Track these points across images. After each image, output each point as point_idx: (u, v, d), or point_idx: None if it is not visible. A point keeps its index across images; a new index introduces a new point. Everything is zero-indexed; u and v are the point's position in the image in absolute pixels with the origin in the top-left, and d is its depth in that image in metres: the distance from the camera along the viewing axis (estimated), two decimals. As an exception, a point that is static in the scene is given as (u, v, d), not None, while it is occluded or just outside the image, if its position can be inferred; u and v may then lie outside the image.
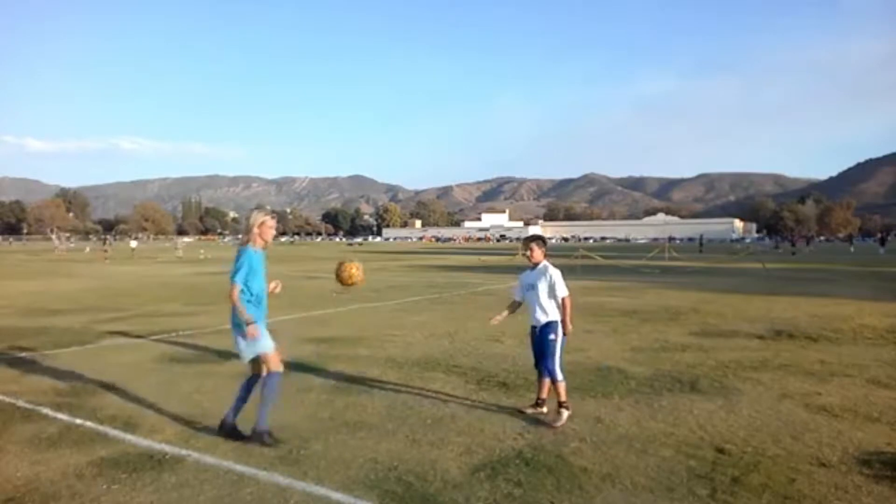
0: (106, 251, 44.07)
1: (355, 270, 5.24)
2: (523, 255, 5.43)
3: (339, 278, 5.35)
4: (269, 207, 5.20)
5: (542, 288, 5.20)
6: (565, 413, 5.05)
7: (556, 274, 5.20)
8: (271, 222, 4.70)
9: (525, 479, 3.92)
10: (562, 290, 5.17)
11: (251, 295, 4.56)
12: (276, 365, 4.63)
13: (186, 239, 53.96)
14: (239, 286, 4.46)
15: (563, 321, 5.20)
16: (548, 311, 5.20)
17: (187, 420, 5.14)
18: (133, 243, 63.05)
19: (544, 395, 5.28)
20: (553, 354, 5.15)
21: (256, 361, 4.64)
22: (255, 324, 4.47)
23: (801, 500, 3.60)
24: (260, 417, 4.55)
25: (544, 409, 5.23)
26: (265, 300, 4.70)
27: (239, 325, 4.53)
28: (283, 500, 3.63)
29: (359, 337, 9.21)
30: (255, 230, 4.59)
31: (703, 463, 4.17)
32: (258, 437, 4.53)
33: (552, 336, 5.16)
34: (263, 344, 4.55)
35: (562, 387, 5.14)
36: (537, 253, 5.29)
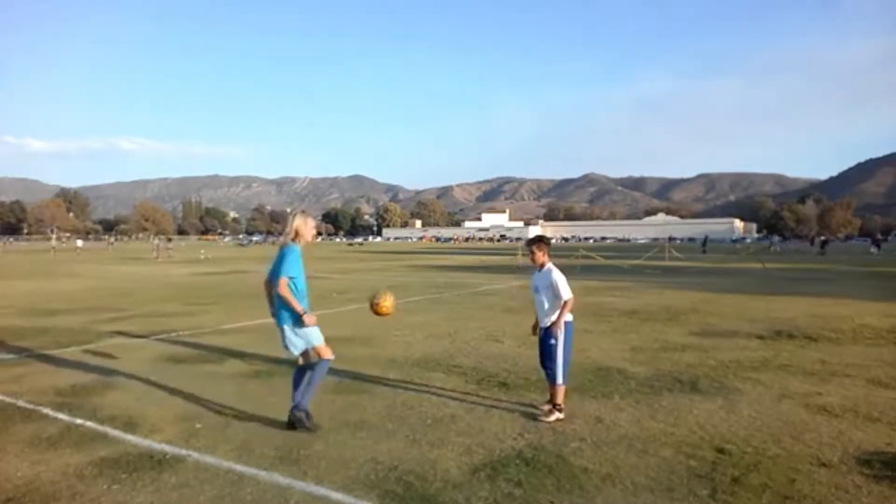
0: (169, 248, 45.91)
1: (388, 302, 5.35)
2: (523, 255, 5.45)
3: (375, 309, 5.45)
4: (304, 209, 5.50)
5: (546, 292, 5.19)
6: (557, 414, 5.07)
7: (558, 277, 5.14)
8: (312, 223, 5.01)
9: (525, 479, 3.92)
10: (565, 293, 5.11)
11: (297, 290, 4.77)
12: (327, 353, 4.85)
13: (157, 239, 56.23)
14: (286, 279, 4.68)
15: (556, 319, 5.11)
16: (551, 315, 5.17)
17: (187, 420, 5.14)
18: (79, 243, 63.72)
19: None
20: (554, 358, 5.12)
21: (307, 353, 4.83)
22: (308, 314, 4.71)
23: (801, 500, 3.60)
24: (303, 397, 4.82)
25: (562, 416, 5.16)
26: (308, 296, 4.91)
27: (287, 319, 4.74)
28: (284, 500, 3.63)
29: (359, 337, 9.21)
30: (302, 231, 4.85)
31: (704, 463, 4.17)
32: (297, 417, 4.78)
33: (552, 341, 5.13)
34: (315, 336, 4.80)
35: (560, 390, 5.12)
36: (539, 255, 5.24)
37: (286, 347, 4.86)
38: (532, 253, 5.28)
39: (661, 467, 4.10)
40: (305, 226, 4.89)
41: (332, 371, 6.92)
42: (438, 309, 12.85)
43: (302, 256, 4.91)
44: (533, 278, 5.43)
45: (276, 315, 4.86)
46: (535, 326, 5.44)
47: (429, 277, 22.94)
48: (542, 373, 5.35)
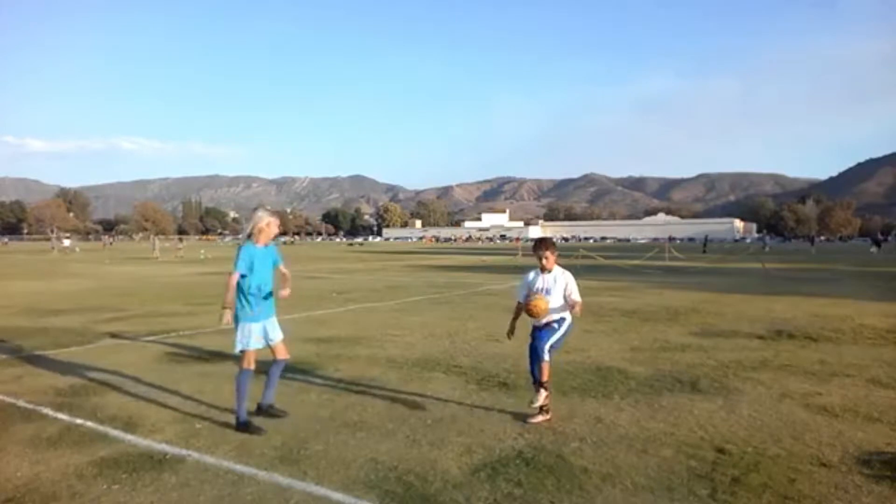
0: (179, 248, 47.66)
1: (543, 304, 5.11)
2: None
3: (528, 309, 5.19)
4: (268, 207, 5.64)
5: (557, 294, 5.05)
6: (543, 393, 4.95)
7: (571, 280, 5.07)
8: (273, 220, 5.12)
9: (525, 479, 3.92)
10: (576, 297, 5.03)
11: (251, 287, 4.89)
12: (245, 364, 4.95)
13: (159, 240, 58.63)
14: (237, 274, 4.81)
15: (574, 308, 5.04)
16: (553, 315, 5.07)
17: (187, 420, 5.14)
18: (66, 242, 63.68)
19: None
20: (549, 338, 5.02)
21: (271, 348, 5.08)
22: (228, 311, 4.82)
23: (801, 500, 3.60)
24: (237, 406, 4.93)
25: (548, 416, 5.10)
26: (269, 295, 5.03)
27: (237, 319, 4.89)
28: (283, 500, 3.63)
29: (359, 337, 9.21)
30: (261, 228, 4.98)
31: (704, 463, 4.17)
32: (238, 424, 4.88)
33: (556, 325, 5.06)
34: (238, 343, 4.93)
35: (546, 367, 4.99)
36: (553, 259, 5.13)
37: (272, 340, 5.05)
38: (546, 258, 5.10)
39: (661, 467, 4.10)
40: (268, 224, 5.01)
41: (333, 371, 6.95)
42: (438, 309, 12.85)
43: (268, 253, 5.03)
44: (533, 280, 5.24)
45: (261, 312, 4.99)
46: (511, 332, 5.39)
47: (429, 277, 22.94)
48: (532, 379, 5.19)
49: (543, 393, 4.99)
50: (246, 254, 4.85)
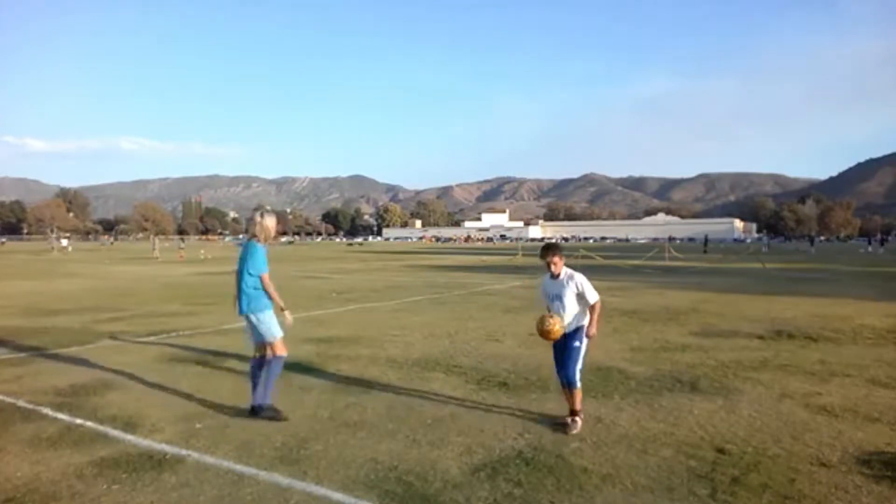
0: (182, 249, 48.75)
1: (558, 327, 4.94)
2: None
3: (542, 331, 5.01)
4: (269, 207, 5.68)
5: (570, 296, 5.00)
6: (579, 421, 4.91)
7: (582, 280, 5.00)
8: (276, 223, 5.39)
9: (525, 479, 3.92)
10: (592, 296, 4.97)
11: (257, 281, 5.05)
12: (281, 349, 5.18)
13: (159, 240, 59.83)
14: (267, 273, 5.01)
15: (589, 324, 5.02)
16: (575, 318, 5.02)
17: (187, 420, 5.14)
18: (64, 242, 63.76)
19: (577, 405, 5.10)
20: (576, 361, 4.97)
21: (263, 345, 5.22)
22: (288, 311, 5.06)
23: (801, 500, 3.60)
24: (263, 395, 5.09)
25: (580, 418, 5.04)
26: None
27: (257, 310, 5.05)
28: (283, 500, 3.63)
29: (359, 337, 9.21)
30: (268, 230, 5.20)
31: (704, 463, 4.17)
32: (262, 412, 5.04)
33: (577, 343, 4.99)
34: (275, 331, 5.13)
35: (578, 395, 4.96)
36: (560, 264, 5.07)
37: (263, 335, 5.12)
38: (554, 264, 5.05)
39: (661, 467, 4.10)
40: (275, 226, 5.32)
41: (333, 371, 6.95)
42: (438, 309, 12.84)
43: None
44: (546, 286, 5.21)
45: (251, 304, 5.08)
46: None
47: (429, 277, 22.93)
48: (559, 380, 5.14)
49: (579, 422, 4.91)
50: (261, 252, 5.10)
